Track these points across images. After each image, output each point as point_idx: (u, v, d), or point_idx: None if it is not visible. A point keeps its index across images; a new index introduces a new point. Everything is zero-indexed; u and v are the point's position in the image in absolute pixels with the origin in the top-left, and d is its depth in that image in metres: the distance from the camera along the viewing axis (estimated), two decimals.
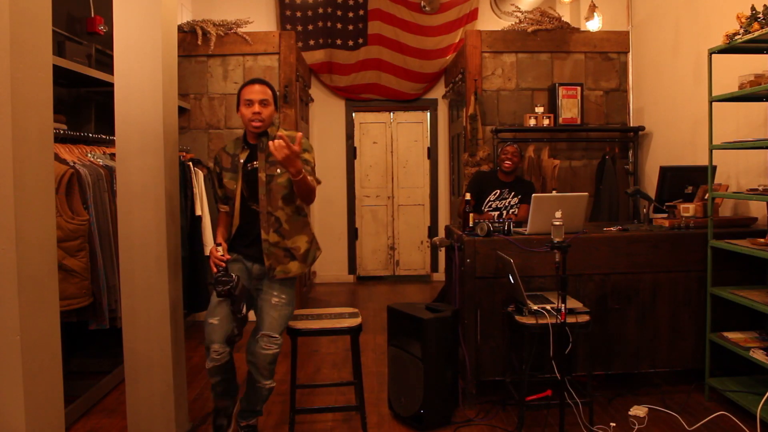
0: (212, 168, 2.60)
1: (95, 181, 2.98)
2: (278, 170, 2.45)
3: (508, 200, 3.90)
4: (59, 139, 3.08)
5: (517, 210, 3.86)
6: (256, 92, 2.41)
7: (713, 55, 2.99)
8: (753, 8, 2.69)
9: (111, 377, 3.31)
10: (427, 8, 5.91)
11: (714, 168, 3.09)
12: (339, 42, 5.92)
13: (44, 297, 1.63)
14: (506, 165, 3.87)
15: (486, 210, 3.89)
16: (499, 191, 3.91)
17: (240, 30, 4.83)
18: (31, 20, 1.58)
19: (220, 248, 2.44)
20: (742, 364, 2.90)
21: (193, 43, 4.79)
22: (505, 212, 3.86)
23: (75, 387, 3.03)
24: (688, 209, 3.27)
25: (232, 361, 2.49)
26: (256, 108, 2.40)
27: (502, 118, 4.91)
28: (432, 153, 6.48)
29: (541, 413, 2.89)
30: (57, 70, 2.86)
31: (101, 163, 3.17)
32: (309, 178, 2.36)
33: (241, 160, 2.49)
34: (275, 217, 2.46)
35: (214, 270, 2.38)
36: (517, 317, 2.71)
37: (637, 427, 2.75)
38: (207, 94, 4.89)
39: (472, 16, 5.88)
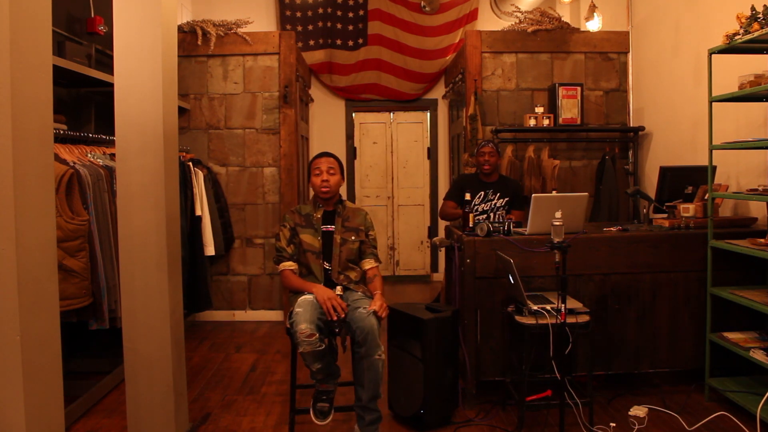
0: (282, 231, 2.78)
1: (95, 181, 2.98)
2: (352, 237, 2.79)
3: (493, 201, 3.81)
4: (59, 139, 3.08)
5: (504, 212, 3.79)
6: (323, 163, 2.78)
7: (713, 55, 2.99)
8: (753, 8, 2.69)
9: (111, 377, 3.31)
10: (427, 8, 5.91)
11: (714, 168, 3.09)
12: (339, 42, 5.92)
13: (44, 297, 1.63)
14: (485, 168, 3.80)
15: (473, 213, 3.84)
16: (483, 193, 3.81)
17: (240, 30, 4.82)
18: (31, 20, 1.57)
19: (338, 289, 2.68)
20: (742, 364, 2.90)
21: (193, 43, 4.79)
22: (492, 214, 3.77)
23: (75, 387, 3.03)
24: (688, 209, 3.27)
25: (328, 347, 2.54)
26: (324, 176, 2.75)
27: (502, 118, 4.91)
28: (432, 153, 6.48)
29: (541, 413, 2.89)
30: (57, 70, 2.86)
31: (101, 163, 3.17)
32: (381, 284, 2.78)
33: (318, 216, 2.79)
34: (345, 275, 2.74)
35: (335, 317, 2.53)
36: (517, 317, 2.71)
37: (637, 427, 2.75)
38: (207, 94, 4.89)
39: (472, 16, 5.88)
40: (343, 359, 2.73)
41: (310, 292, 2.61)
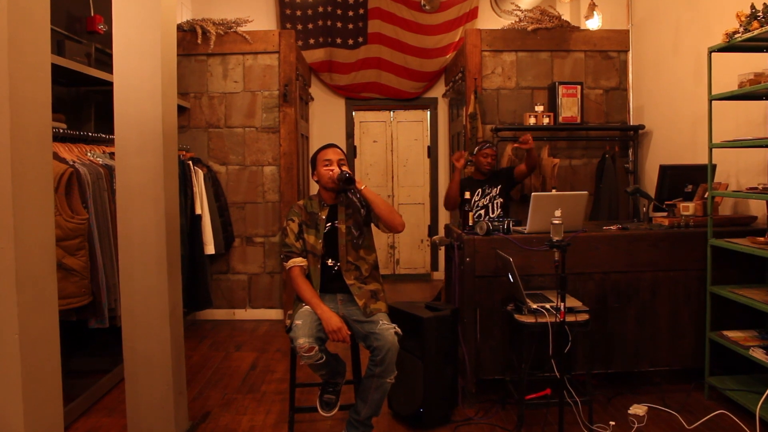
0: (289, 225, 2.64)
1: (95, 180, 2.98)
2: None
3: (490, 194, 4.02)
4: (59, 138, 3.08)
5: (501, 200, 4.00)
6: (332, 153, 2.65)
7: (713, 53, 2.99)
8: (753, 7, 2.69)
9: (110, 376, 3.31)
10: (427, 7, 5.90)
11: (714, 167, 3.09)
12: (339, 41, 5.91)
13: (43, 296, 1.63)
14: (486, 168, 4.02)
15: (475, 210, 4.02)
16: (480, 190, 4.02)
17: (240, 29, 4.82)
18: (30, 19, 1.57)
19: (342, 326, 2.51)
20: (742, 362, 2.90)
21: (193, 42, 4.79)
22: (491, 204, 3.96)
23: (74, 386, 3.04)
24: (688, 208, 3.27)
25: (327, 354, 2.50)
26: (335, 167, 2.61)
27: (502, 116, 4.91)
28: (432, 152, 6.48)
29: (540, 412, 2.89)
30: (56, 69, 2.86)
31: (101, 162, 3.17)
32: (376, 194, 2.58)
33: (323, 216, 2.65)
34: (356, 265, 2.62)
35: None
36: (516, 316, 2.71)
37: (636, 425, 2.75)
38: (207, 93, 4.89)
39: (472, 14, 5.88)
40: (344, 353, 2.73)
41: (314, 311, 2.49)
